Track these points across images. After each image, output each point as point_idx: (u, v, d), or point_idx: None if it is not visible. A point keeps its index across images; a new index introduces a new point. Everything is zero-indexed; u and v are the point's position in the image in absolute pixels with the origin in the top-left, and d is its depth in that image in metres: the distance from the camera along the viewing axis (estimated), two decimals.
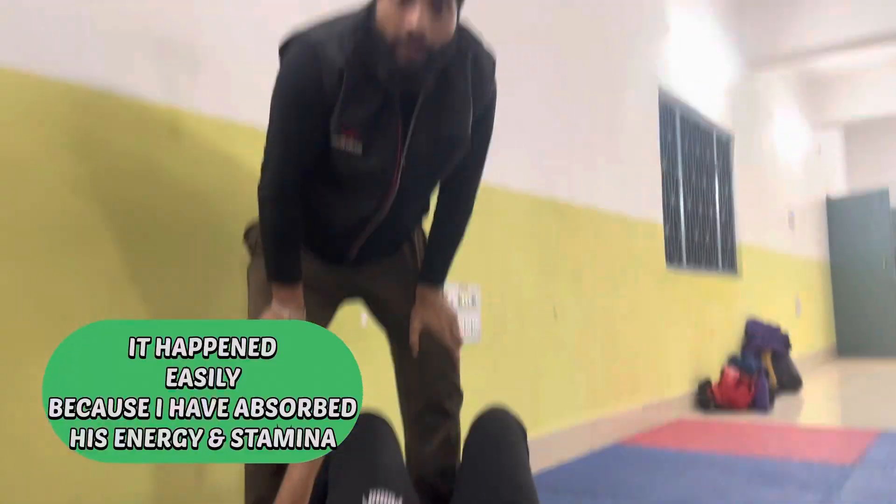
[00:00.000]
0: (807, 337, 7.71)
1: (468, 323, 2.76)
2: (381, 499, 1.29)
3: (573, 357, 3.45)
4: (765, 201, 6.77)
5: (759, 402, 4.57)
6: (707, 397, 4.66)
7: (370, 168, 1.42)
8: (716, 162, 5.71)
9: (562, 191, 3.46)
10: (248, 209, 1.65)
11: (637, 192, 4.25)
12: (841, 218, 9.03)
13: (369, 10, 1.35)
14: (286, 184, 1.42)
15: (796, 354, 6.87)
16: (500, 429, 1.49)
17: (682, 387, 4.62)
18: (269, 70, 1.47)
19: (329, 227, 1.52)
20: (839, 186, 10.05)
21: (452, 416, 1.64)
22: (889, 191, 8.62)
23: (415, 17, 1.28)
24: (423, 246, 1.70)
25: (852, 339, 8.82)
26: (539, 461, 3.02)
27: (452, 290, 2.69)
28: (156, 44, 1.78)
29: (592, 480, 2.75)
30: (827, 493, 2.48)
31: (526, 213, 3.19)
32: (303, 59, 1.36)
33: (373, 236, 1.55)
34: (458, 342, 1.64)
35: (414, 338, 1.60)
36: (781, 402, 4.98)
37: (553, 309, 3.32)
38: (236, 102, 1.93)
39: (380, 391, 1.62)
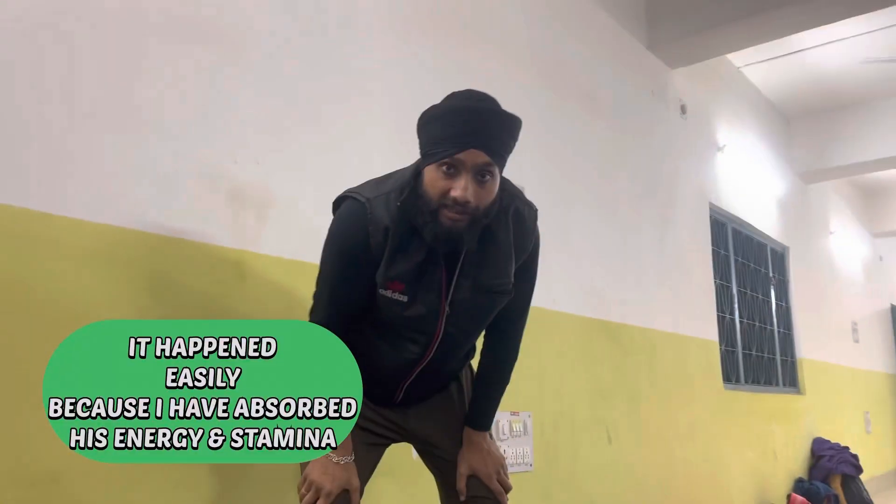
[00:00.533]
0: (879, 456, 7.29)
1: (520, 451, 2.74)
2: None
3: (628, 482, 3.36)
4: (825, 313, 6.60)
5: None
6: None
7: (415, 314, 1.49)
8: (771, 275, 5.64)
9: (613, 312, 3.47)
10: None
11: (690, 309, 4.22)
12: None
13: (416, 173, 1.45)
14: (331, 328, 1.38)
15: (867, 476, 6.49)
16: None
17: None
18: (327, 213, 1.56)
19: (377, 369, 1.53)
20: None
21: None
22: None
23: (461, 186, 1.37)
24: (470, 385, 1.72)
25: None
26: None
27: (503, 418, 2.69)
28: (228, 194, 1.92)
29: None
30: None
31: (578, 335, 3.21)
32: (353, 215, 1.45)
33: (419, 378, 1.59)
34: (506, 488, 1.64)
35: (461, 484, 1.60)
36: None
37: (607, 433, 3.27)
38: (297, 245, 2.04)
39: None
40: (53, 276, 1.57)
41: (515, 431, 2.74)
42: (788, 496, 4.59)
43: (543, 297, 3.03)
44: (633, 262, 3.75)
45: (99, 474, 1.57)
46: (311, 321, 1.52)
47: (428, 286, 1.48)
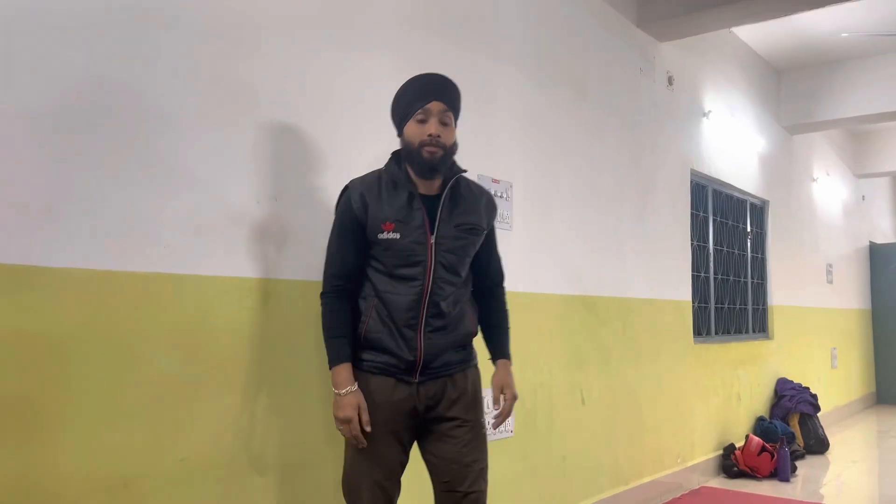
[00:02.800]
0: (843, 388, 7.86)
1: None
2: None
3: (599, 438, 3.81)
4: (801, 260, 6.96)
5: (781, 473, 4.84)
6: (731, 463, 4.94)
7: (408, 247, 2.04)
8: (749, 229, 5.96)
9: (591, 286, 3.83)
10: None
11: (666, 275, 4.57)
12: (885, 264, 9.11)
13: (398, 151, 2.12)
14: (332, 281, 2.08)
15: (831, 407, 7.07)
16: None
17: (706, 453, 4.92)
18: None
19: (395, 310, 2.04)
20: (885, 233, 10.09)
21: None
22: None
23: (432, 126, 2.03)
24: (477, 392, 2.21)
25: (893, 388, 8.90)
26: None
27: (487, 395, 3.09)
28: (252, 230, 2.23)
29: None
30: None
31: (556, 312, 3.57)
32: (341, 200, 2.10)
33: (430, 316, 2.06)
34: (512, 399, 2.27)
35: (496, 394, 2.24)
36: (805, 467, 5.22)
37: (581, 395, 3.69)
38: (317, 265, 2.36)
39: None
40: (110, 324, 1.90)
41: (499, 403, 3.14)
42: (747, 437, 5.09)
43: (525, 280, 3.38)
44: (613, 237, 4.07)
45: (165, 480, 1.96)
46: (323, 275, 2.09)
47: (414, 225, 2.05)
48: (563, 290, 3.62)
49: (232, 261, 2.17)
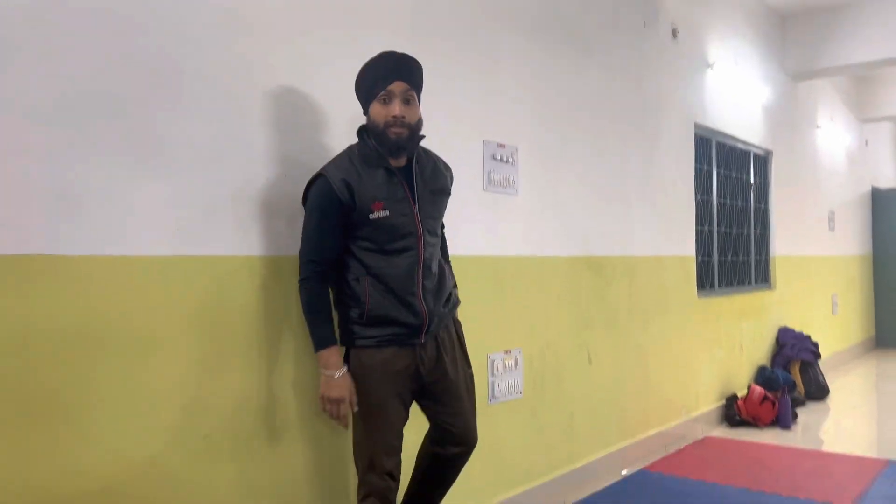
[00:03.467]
0: (843, 333, 7.96)
1: (511, 383, 3.21)
2: None
3: (605, 395, 3.89)
4: (803, 209, 6.96)
5: (782, 421, 4.94)
6: (733, 412, 5.04)
7: (399, 222, 2.14)
8: (752, 181, 5.95)
9: (597, 247, 3.85)
10: None
11: (670, 231, 4.59)
12: (887, 209, 9.11)
13: (363, 128, 2.18)
14: (311, 266, 2.12)
15: (831, 352, 7.18)
16: None
17: (709, 403, 5.02)
18: None
19: (394, 282, 2.13)
20: (888, 177, 10.06)
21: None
22: None
23: (396, 107, 2.10)
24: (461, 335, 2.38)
25: (892, 331, 9.00)
26: (573, 494, 3.50)
27: (497, 358, 3.15)
28: (261, 208, 2.23)
29: None
30: None
31: (563, 274, 3.60)
32: (321, 187, 2.11)
33: (425, 279, 2.18)
34: None
35: None
36: (805, 414, 5.34)
37: (588, 355, 3.75)
38: None
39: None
40: (130, 309, 1.92)
41: (508, 367, 3.20)
42: (749, 386, 5.18)
43: (532, 245, 3.40)
44: (619, 196, 4.07)
45: (190, 456, 2.01)
46: (300, 262, 2.12)
47: (399, 200, 2.15)
48: (569, 252, 3.64)
49: (243, 239, 2.19)
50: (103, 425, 1.85)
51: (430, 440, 2.37)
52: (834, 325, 7.65)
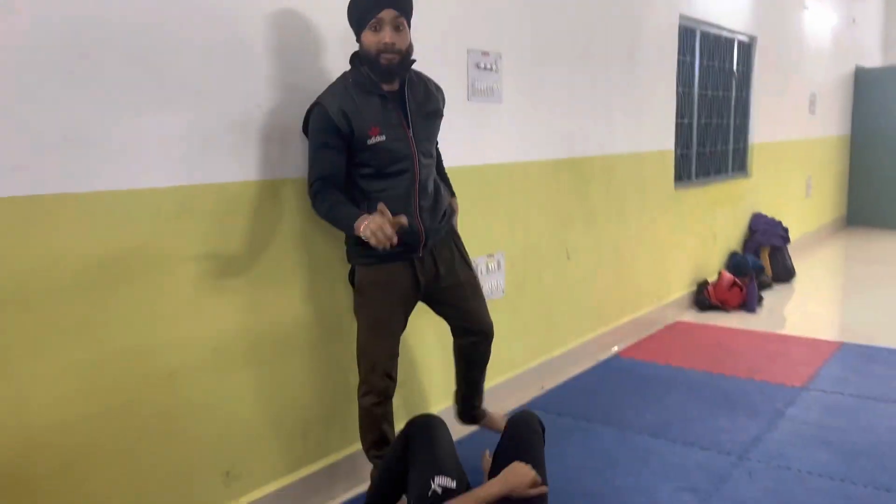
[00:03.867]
0: (816, 214, 8.23)
1: (495, 284, 3.43)
2: (443, 481, 2.05)
3: (583, 288, 4.14)
4: (785, 94, 7.01)
5: (748, 305, 5.27)
6: (703, 298, 5.36)
7: (395, 146, 2.27)
8: (735, 70, 5.96)
9: (578, 148, 3.96)
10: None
11: (651, 127, 4.68)
12: (869, 89, 9.14)
13: (356, 54, 2.29)
14: (318, 184, 2.24)
15: (803, 232, 7.49)
16: (526, 433, 2.23)
17: (682, 289, 5.32)
18: None
19: (392, 203, 2.23)
20: (874, 57, 10.00)
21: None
22: None
23: (386, 34, 2.18)
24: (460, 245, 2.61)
25: (862, 210, 9.30)
26: (551, 380, 3.82)
27: (481, 261, 3.34)
28: (258, 134, 2.33)
29: (588, 402, 3.54)
30: (769, 422, 3.24)
31: (545, 176, 3.73)
32: (318, 114, 2.24)
33: (421, 199, 2.35)
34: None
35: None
36: (771, 297, 5.68)
37: (566, 251, 3.96)
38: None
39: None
40: (142, 240, 2.06)
41: (491, 269, 3.41)
42: (719, 273, 5.47)
43: (516, 151, 3.51)
44: (602, 97, 4.13)
45: (202, 368, 2.22)
46: (309, 182, 2.25)
47: (394, 125, 2.28)
48: (551, 156, 3.76)
49: (240, 167, 2.30)
50: (125, 343, 2.04)
51: (454, 336, 2.68)
52: (806, 207, 7.90)
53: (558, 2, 3.68)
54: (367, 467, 2.59)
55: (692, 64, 5.28)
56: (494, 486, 2.03)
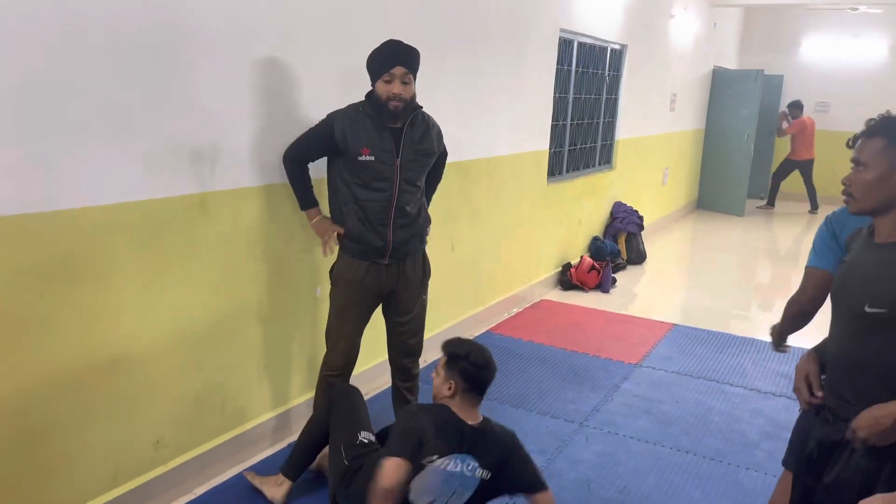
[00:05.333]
0: (670, 200, 9.27)
1: None
2: (366, 435, 2.60)
3: (464, 273, 4.73)
4: (649, 94, 7.84)
5: (603, 286, 6.09)
6: (566, 278, 6.12)
7: (380, 168, 2.84)
8: (606, 73, 6.67)
9: (465, 152, 4.49)
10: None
11: (529, 130, 5.29)
12: (723, 87, 10.23)
13: (371, 93, 2.88)
14: (294, 156, 2.92)
15: (657, 217, 8.46)
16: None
17: (549, 270, 6.05)
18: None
19: (370, 212, 2.87)
20: (729, 56, 11.13)
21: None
22: (763, 72, 9.80)
23: (396, 87, 2.77)
24: (428, 269, 3.22)
25: (710, 196, 10.51)
26: (434, 354, 4.41)
27: None
28: (250, 148, 2.69)
29: None
30: (606, 395, 3.99)
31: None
32: (327, 122, 2.87)
33: (397, 216, 2.90)
34: None
35: None
36: (624, 278, 6.54)
37: (451, 244, 4.52)
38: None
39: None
40: (163, 237, 2.41)
41: None
42: (581, 257, 6.25)
43: None
44: (488, 106, 4.67)
45: (145, 358, 2.61)
46: (288, 150, 2.92)
47: (385, 151, 2.84)
48: None
49: (236, 175, 2.81)
50: (75, 337, 2.40)
51: (388, 350, 3.28)
52: (662, 194, 8.90)
53: (448, 24, 4.15)
54: (276, 433, 3.07)
55: (569, 72, 5.91)
56: None
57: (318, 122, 2.91)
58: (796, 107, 10.39)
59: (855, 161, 1.72)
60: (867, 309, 1.66)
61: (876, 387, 1.68)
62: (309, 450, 2.82)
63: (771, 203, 10.86)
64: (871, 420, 1.64)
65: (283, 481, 2.80)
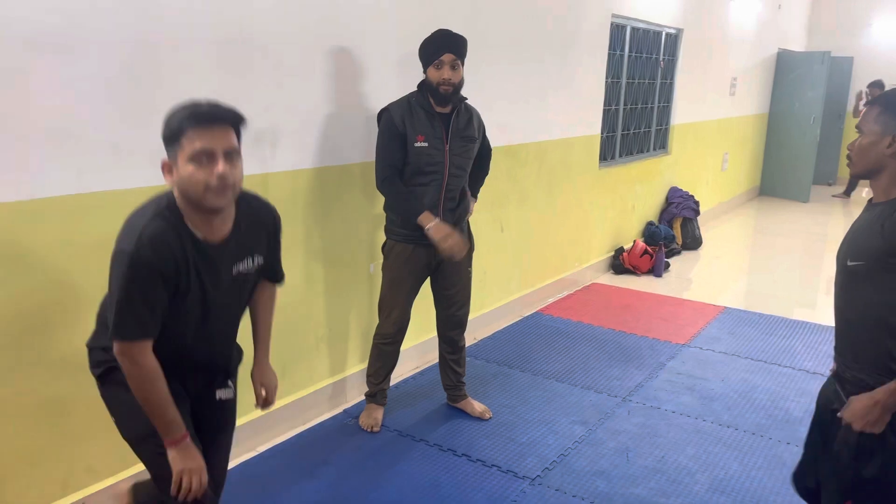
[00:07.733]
0: (730, 185, 9.15)
1: None
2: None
3: (512, 255, 4.87)
4: (707, 79, 7.77)
5: (656, 270, 6.12)
6: (619, 262, 6.18)
7: (433, 154, 3.05)
8: (661, 60, 6.66)
9: (515, 136, 4.63)
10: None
11: (580, 114, 5.37)
12: (788, 70, 10.00)
13: (422, 82, 3.07)
14: (385, 174, 3.05)
15: (716, 202, 8.39)
16: None
17: (601, 255, 6.13)
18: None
19: (424, 197, 3.08)
20: (796, 38, 10.85)
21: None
22: (830, 54, 9.53)
23: (446, 72, 2.98)
24: (471, 242, 3.42)
25: (773, 181, 10.30)
26: (482, 332, 4.58)
27: None
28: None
29: (510, 351, 4.32)
30: (651, 372, 4.08)
31: None
32: (386, 119, 3.06)
33: (447, 200, 3.12)
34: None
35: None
36: (679, 263, 6.54)
37: (500, 225, 4.67)
38: (299, 159, 3.10)
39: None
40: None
41: None
42: (634, 242, 6.29)
43: None
44: (537, 89, 4.78)
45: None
46: (377, 177, 3.08)
47: (436, 137, 3.06)
48: (493, 143, 4.41)
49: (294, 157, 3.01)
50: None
51: (437, 323, 3.45)
52: (721, 180, 8.80)
53: (499, 10, 4.29)
54: (332, 399, 3.29)
55: (622, 57, 5.95)
56: None
57: (378, 130, 3.08)
58: (877, 86, 9.97)
59: (857, 128, 1.82)
60: (849, 263, 1.78)
61: (869, 346, 1.77)
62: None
63: (847, 193, 10.53)
64: (863, 411, 1.73)
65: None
